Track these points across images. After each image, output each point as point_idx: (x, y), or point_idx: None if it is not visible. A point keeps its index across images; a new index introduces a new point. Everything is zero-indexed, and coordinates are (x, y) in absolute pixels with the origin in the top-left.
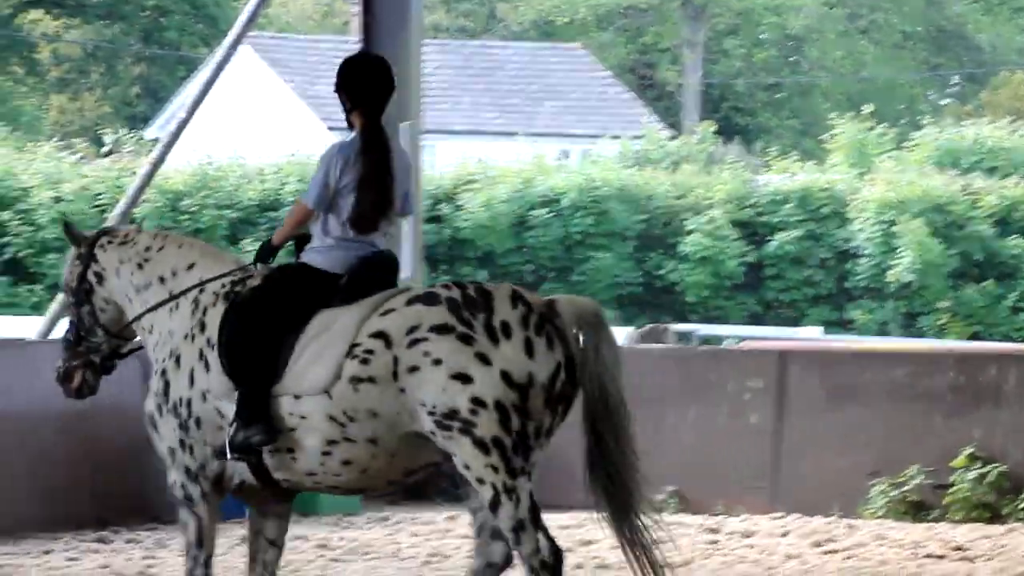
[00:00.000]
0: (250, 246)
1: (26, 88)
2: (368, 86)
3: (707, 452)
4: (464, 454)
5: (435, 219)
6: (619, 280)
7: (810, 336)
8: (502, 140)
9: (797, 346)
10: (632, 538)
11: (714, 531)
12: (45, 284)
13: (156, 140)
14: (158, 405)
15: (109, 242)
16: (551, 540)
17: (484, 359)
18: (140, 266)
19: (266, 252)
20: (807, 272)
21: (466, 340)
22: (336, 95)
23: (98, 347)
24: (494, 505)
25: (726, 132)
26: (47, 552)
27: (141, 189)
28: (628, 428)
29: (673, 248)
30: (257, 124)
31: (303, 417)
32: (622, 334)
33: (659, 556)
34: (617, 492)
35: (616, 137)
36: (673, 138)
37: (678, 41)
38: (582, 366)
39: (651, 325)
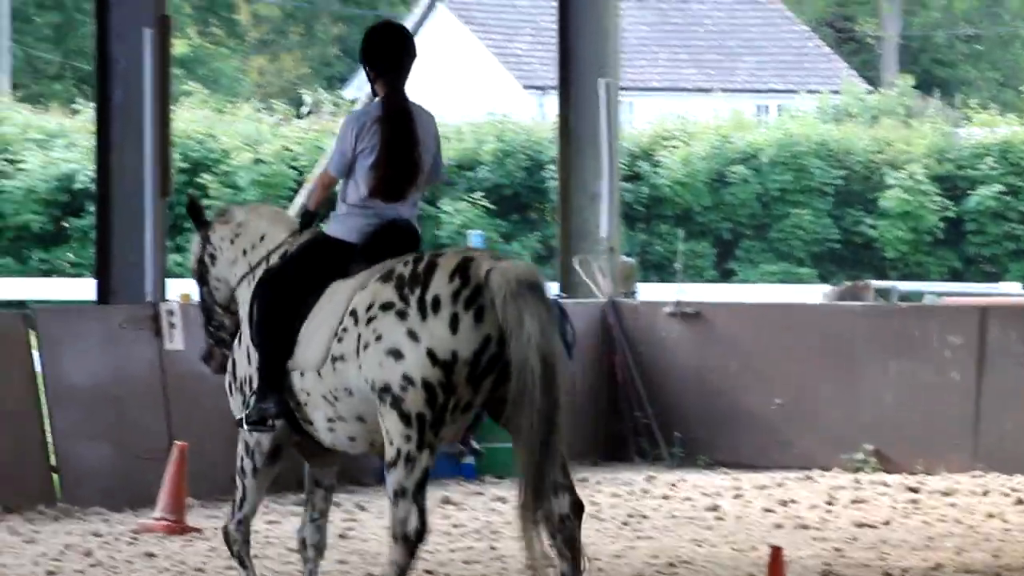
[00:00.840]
0: (447, 207)
1: (226, 50)
2: (389, 55)
3: (907, 410)
4: (389, 424)
5: (633, 177)
6: (817, 236)
7: (1011, 291)
8: (700, 96)
9: (998, 301)
10: (533, 517)
11: (914, 490)
12: None
13: (354, 100)
14: (228, 383)
15: (220, 221)
16: (423, 519)
17: (414, 336)
18: (232, 242)
19: (308, 218)
20: (1008, 226)
21: (401, 316)
22: (362, 66)
23: (221, 324)
24: (390, 466)
25: (925, 85)
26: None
27: None
28: (547, 406)
29: (872, 204)
30: (454, 83)
31: (308, 393)
32: (820, 291)
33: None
34: (527, 470)
35: (814, 92)
36: (872, 92)
37: None
38: (508, 338)
39: (850, 282)
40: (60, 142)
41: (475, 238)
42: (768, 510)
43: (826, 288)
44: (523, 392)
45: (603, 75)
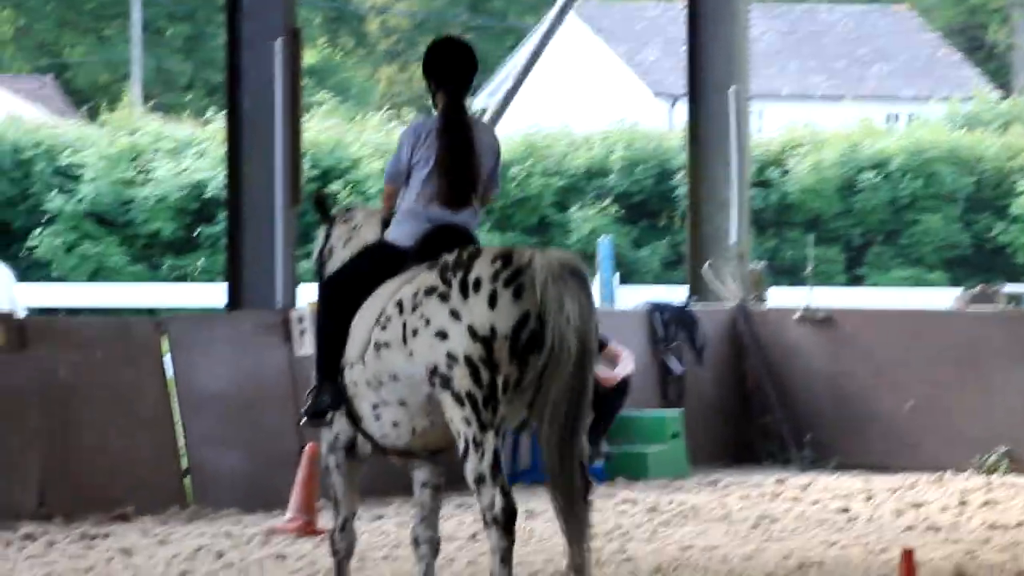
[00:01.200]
0: (577, 213)
1: (356, 60)
2: (449, 69)
3: None
4: (449, 411)
5: (762, 183)
6: (948, 242)
7: None
8: (829, 104)
9: None
10: (566, 504)
11: None
12: None
13: (484, 109)
14: None
15: (342, 220)
16: (507, 497)
17: (456, 315)
18: (344, 244)
19: (385, 225)
20: None
21: (444, 298)
22: (424, 78)
23: None
24: (463, 457)
25: None
26: (379, 517)
27: None
28: (578, 384)
29: (1003, 210)
30: (584, 91)
31: (355, 384)
32: (950, 296)
33: (588, 526)
34: (551, 453)
35: (945, 99)
36: (1003, 99)
37: (1008, 1)
38: (546, 317)
39: (981, 286)
40: (191, 151)
41: (604, 244)
42: (899, 512)
43: (957, 292)
44: (556, 367)
45: (732, 83)
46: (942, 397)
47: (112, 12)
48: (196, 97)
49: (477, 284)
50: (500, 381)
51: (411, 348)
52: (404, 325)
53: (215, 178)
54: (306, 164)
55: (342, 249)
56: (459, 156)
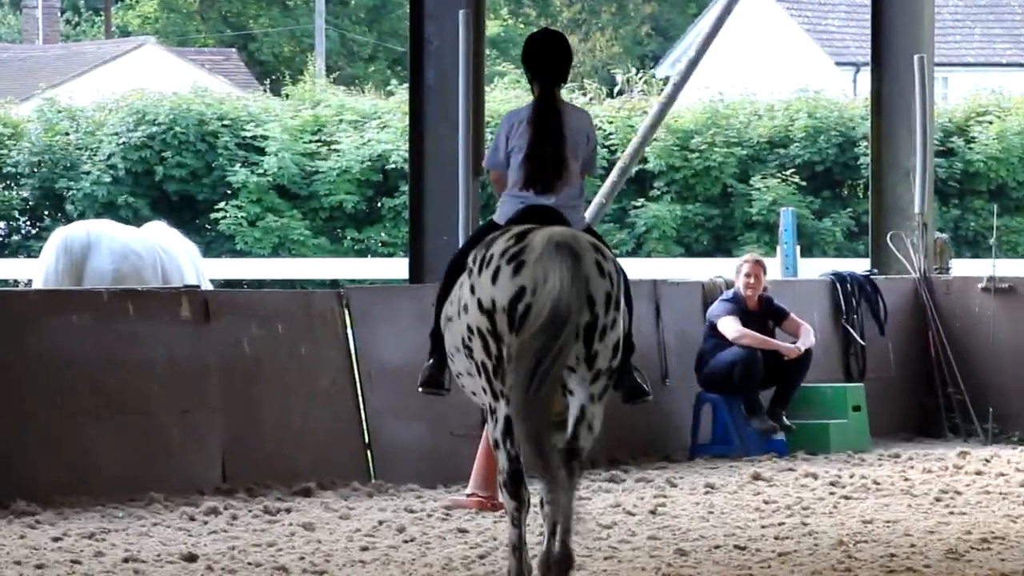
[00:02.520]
0: (758, 184)
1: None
2: (541, 61)
3: None
4: (475, 377)
5: (946, 152)
6: None
7: None
8: (1015, 71)
9: None
10: (542, 472)
11: None
12: None
13: (667, 79)
14: None
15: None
16: (514, 461)
17: (472, 290)
18: None
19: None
20: None
21: (469, 274)
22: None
23: None
24: (487, 422)
25: None
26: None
27: (652, 128)
28: (541, 348)
29: None
30: (767, 60)
31: (452, 359)
32: None
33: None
34: (515, 415)
35: None
36: None
37: None
38: (536, 290)
39: None
40: (374, 123)
41: (786, 214)
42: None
43: None
44: (530, 327)
45: (917, 51)
46: None
47: None
48: (379, 69)
49: (488, 261)
50: (505, 352)
51: (456, 322)
52: (459, 299)
53: (398, 150)
54: (488, 135)
55: None
56: (545, 143)
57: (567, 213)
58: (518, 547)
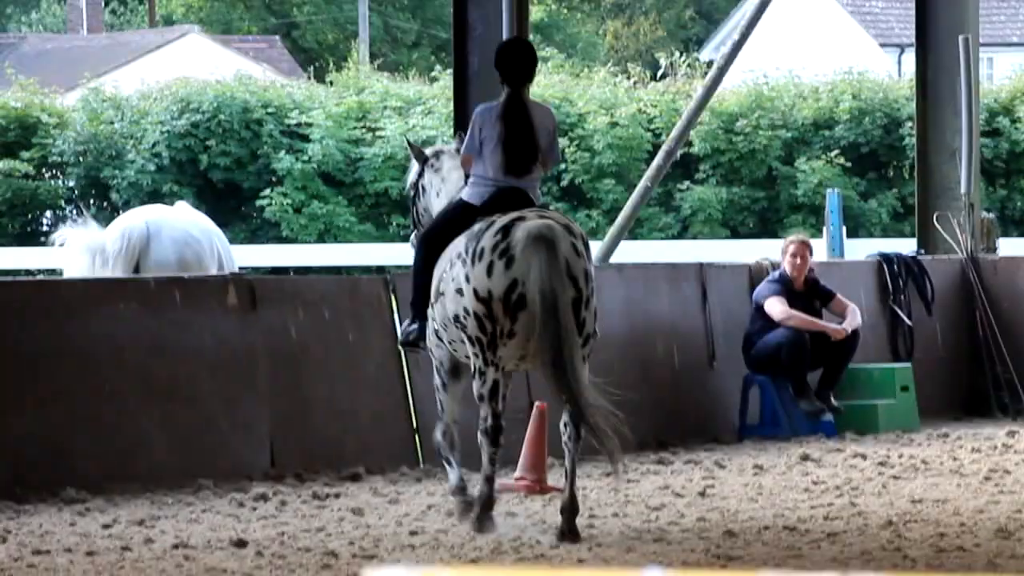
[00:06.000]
0: (803, 166)
1: (582, 14)
2: (511, 66)
3: None
4: (467, 346)
5: (992, 132)
6: None
7: None
8: None
9: None
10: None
11: None
12: (602, 209)
13: (711, 62)
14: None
15: (432, 165)
16: (496, 417)
17: (468, 279)
18: (437, 194)
19: (465, 179)
20: None
21: (463, 263)
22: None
23: None
24: (474, 378)
25: None
26: (607, 475)
27: (696, 111)
28: (552, 329)
29: None
30: (811, 42)
31: (435, 320)
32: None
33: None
34: (549, 383)
35: None
36: None
37: None
38: (527, 282)
39: None
40: (418, 109)
41: (831, 196)
42: None
43: None
44: (533, 319)
45: (962, 31)
46: None
47: None
48: (423, 55)
49: (481, 254)
50: (497, 330)
51: (448, 299)
52: (453, 279)
53: (442, 136)
54: None
55: (436, 198)
56: (519, 134)
57: (531, 193)
58: (491, 477)
